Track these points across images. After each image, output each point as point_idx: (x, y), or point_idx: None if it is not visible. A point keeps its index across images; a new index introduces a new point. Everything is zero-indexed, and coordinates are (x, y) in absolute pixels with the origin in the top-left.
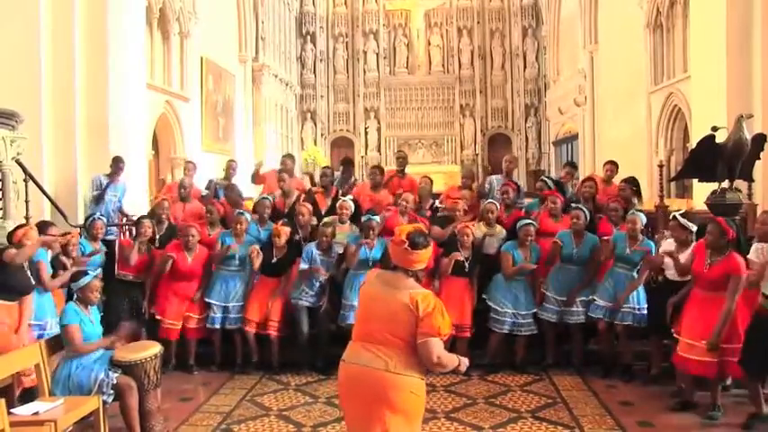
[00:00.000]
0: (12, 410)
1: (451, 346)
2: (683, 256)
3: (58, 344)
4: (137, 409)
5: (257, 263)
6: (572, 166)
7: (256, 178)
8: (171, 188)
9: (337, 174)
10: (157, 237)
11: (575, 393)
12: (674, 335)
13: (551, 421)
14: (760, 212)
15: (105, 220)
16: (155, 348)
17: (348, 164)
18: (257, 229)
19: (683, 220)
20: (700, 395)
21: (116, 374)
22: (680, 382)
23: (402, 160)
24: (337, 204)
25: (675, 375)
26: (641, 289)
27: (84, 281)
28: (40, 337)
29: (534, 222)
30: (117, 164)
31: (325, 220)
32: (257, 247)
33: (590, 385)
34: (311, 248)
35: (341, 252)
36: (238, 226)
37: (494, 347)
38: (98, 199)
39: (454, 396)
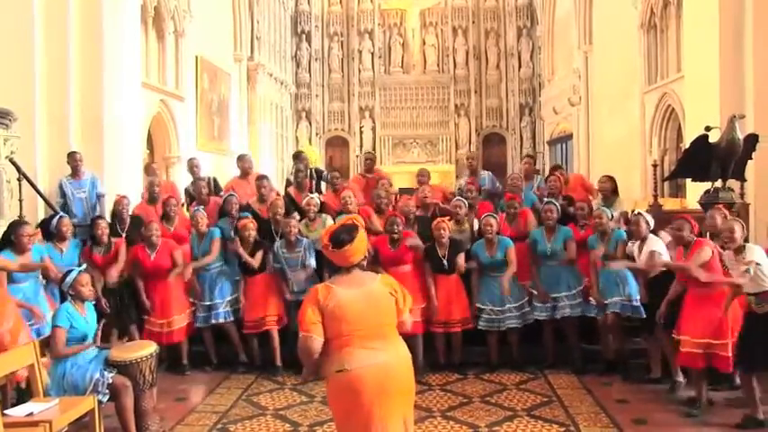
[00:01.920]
0: (6, 411)
1: (446, 340)
2: (642, 255)
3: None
4: (132, 408)
5: (244, 254)
6: (530, 157)
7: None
8: (166, 187)
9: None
10: (124, 235)
11: (570, 392)
12: (674, 335)
13: (547, 419)
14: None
15: (73, 219)
16: (150, 348)
17: (298, 157)
18: (227, 227)
19: (647, 216)
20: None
21: (111, 374)
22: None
23: (370, 162)
24: (303, 203)
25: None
26: (634, 282)
27: (70, 277)
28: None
29: (495, 215)
30: (73, 160)
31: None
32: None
33: (585, 383)
34: (277, 247)
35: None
36: (195, 222)
37: (492, 346)
38: (63, 207)
39: (450, 395)
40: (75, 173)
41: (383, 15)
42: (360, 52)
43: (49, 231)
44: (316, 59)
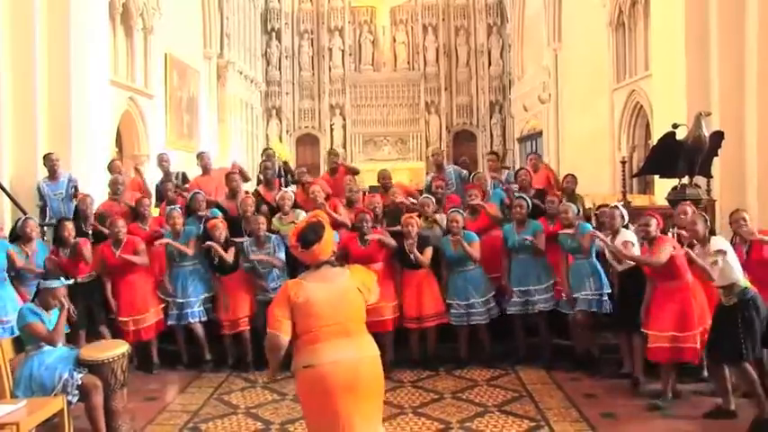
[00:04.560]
0: None
1: (420, 336)
2: (616, 242)
3: (21, 344)
4: (102, 408)
5: (221, 251)
6: (493, 153)
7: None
8: (133, 184)
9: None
10: (90, 232)
11: (540, 387)
12: (644, 330)
13: (518, 415)
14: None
15: (50, 220)
16: (122, 347)
17: (266, 155)
18: (197, 225)
19: (623, 210)
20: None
21: (81, 374)
22: (639, 374)
23: (333, 157)
24: (277, 197)
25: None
26: (604, 277)
27: (51, 284)
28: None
29: (461, 211)
30: (49, 161)
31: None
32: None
33: (555, 379)
34: (246, 245)
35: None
36: (173, 222)
37: (462, 342)
38: (42, 210)
39: (421, 391)
40: (53, 174)
41: (353, 13)
42: (330, 50)
43: (16, 233)
44: (286, 57)
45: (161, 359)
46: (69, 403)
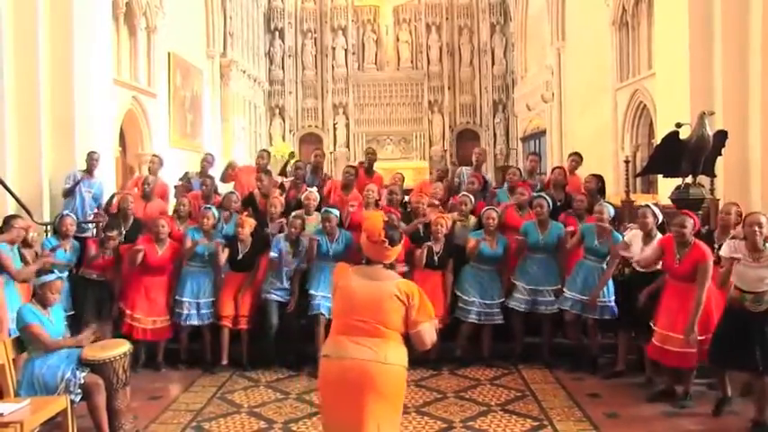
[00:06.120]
0: None
1: None
2: (648, 248)
3: (23, 343)
4: (105, 407)
5: (223, 257)
6: (535, 154)
7: (227, 177)
8: (137, 182)
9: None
10: (123, 232)
11: (543, 386)
12: (652, 326)
13: (521, 414)
14: (723, 204)
15: (75, 216)
16: (124, 347)
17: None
18: (222, 224)
19: (655, 209)
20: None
21: (84, 373)
22: (650, 373)
23: (371, 156)
24: (303, 196)
25: (645, 366)
26: (610, 281)
27: (46, 278)
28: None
29: (496, 209)
30: (91, 158)
31: (295, 213)
32: (221, 241)
33: (558, 378)
34: (280, 240)
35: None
36: (205, 221)
37: (464, 338)
38: (69, 192)
39: (424, 390)
40: (90, 171)
41: (356, 12)
42: (333, 49)
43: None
44: (289, 56)
45: (164, 358)
46: (72, 402)
